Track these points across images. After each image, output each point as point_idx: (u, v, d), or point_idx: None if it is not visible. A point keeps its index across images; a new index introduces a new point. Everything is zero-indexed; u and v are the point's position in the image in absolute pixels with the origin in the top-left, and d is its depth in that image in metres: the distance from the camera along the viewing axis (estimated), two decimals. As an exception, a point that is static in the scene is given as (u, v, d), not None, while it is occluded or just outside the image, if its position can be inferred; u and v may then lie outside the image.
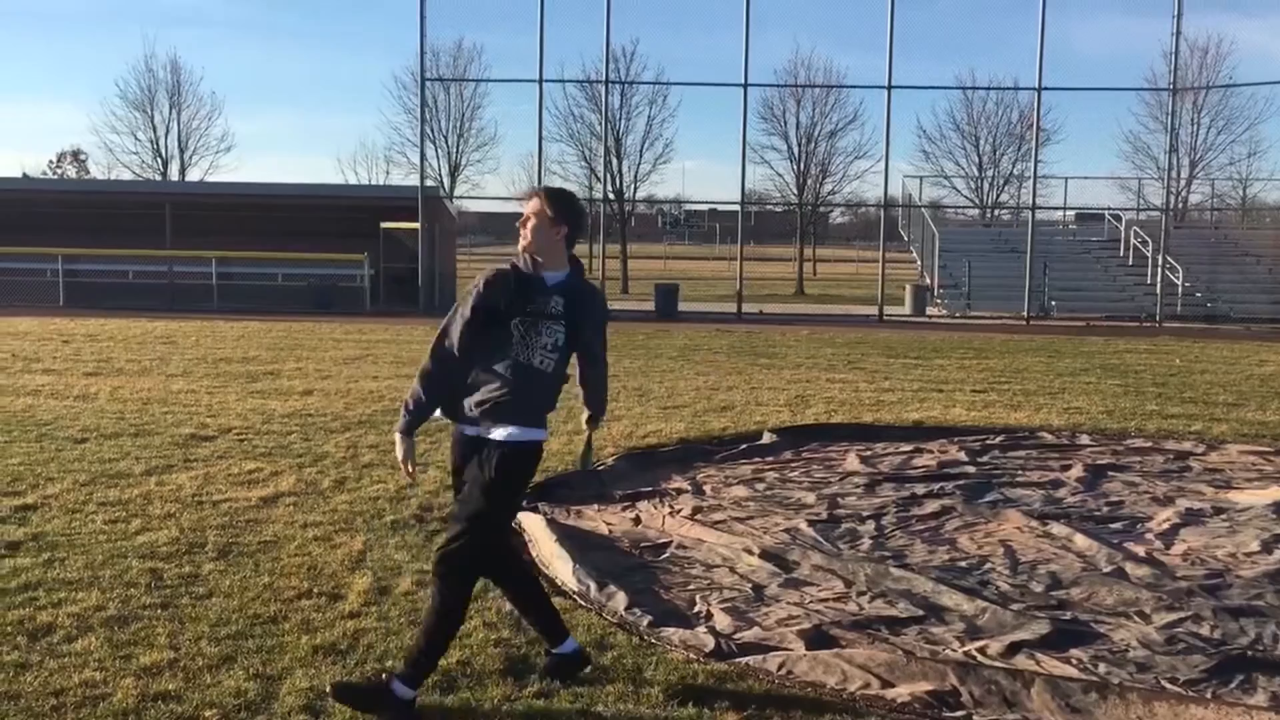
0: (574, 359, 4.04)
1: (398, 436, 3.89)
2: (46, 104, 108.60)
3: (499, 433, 3.79)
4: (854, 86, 39.92)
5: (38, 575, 5.09)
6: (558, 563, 5.42)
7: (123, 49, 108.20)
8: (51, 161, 67.26)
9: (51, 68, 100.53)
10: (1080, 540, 6.00)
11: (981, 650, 4.40)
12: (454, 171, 42.73)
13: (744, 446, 8.63)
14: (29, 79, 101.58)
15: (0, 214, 26.08)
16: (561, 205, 3.85)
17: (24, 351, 14.35)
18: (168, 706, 3.76)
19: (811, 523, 6.36)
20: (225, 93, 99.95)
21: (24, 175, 49.25)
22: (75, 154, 65.13)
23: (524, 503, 6.14)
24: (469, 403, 3.81)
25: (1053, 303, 26.53)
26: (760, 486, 7.33)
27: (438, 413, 3.91)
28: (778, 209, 61.40)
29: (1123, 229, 30.12)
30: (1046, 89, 26.46)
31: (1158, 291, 26.00)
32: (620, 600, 4.86)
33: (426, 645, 3.78)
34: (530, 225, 3.82)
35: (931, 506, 6.80)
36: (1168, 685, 4.09)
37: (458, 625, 3.89)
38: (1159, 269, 26.32)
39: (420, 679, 3.79)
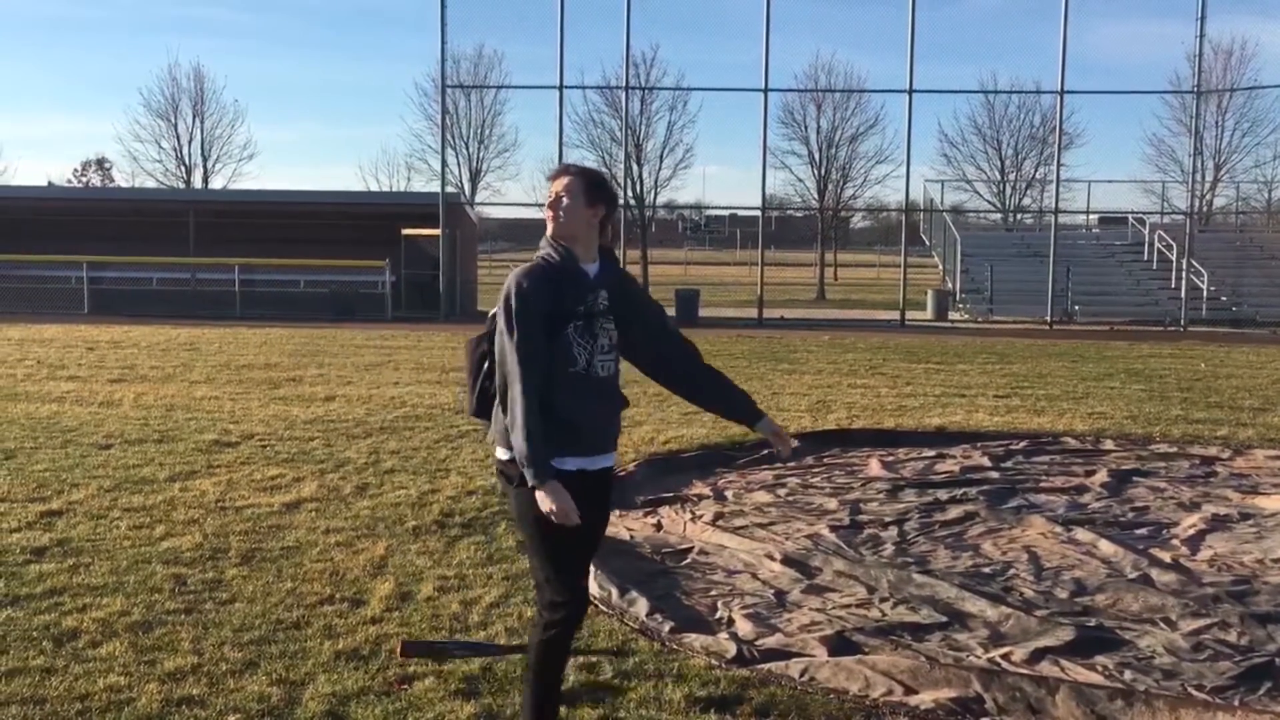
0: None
1: (548, 486, 3.14)
2: (71, 113, 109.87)
3: (610, 459, 3.43)
4: (875, 91, 39.80)
5: (63, 580, 5.13)
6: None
7: (147, 58, 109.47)
8: (76, 170, 68.14)
9: (77, 77, 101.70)
10: (1105, 546, 5.95)
11: (1006, 657, 4.38)
12: (475, 178, 42.92)
13: (766, 452, 8.60)
14: (54, 88, 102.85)
15: (26, 222, 26.38)
16: (597, 183, 3.34)
17: (49, 358, 14.48)
18: (191, 711, 3.78)
19: (834, 528, 6.34)
20: (248, 101, 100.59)
21: (49, 183, 49.84)
22: (100, 162, 65.98)
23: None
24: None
25: (1076, 307, 26.35)
26: (782, 492, 7.31)
27: (498, 448, 3.35)
28: (798, 214, 61.48)
29: (1146, 232, 29.88)
30: (1069, 92, 26.31)
31: (1182, 295, 25.80)
32: (641, 606, 4.85)
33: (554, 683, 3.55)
34: (564, 205, 3.28)
35: (954, 512, 6.76)
36: (1194, 692, 4.05)
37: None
38: (1183, 273, 26.12)
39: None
